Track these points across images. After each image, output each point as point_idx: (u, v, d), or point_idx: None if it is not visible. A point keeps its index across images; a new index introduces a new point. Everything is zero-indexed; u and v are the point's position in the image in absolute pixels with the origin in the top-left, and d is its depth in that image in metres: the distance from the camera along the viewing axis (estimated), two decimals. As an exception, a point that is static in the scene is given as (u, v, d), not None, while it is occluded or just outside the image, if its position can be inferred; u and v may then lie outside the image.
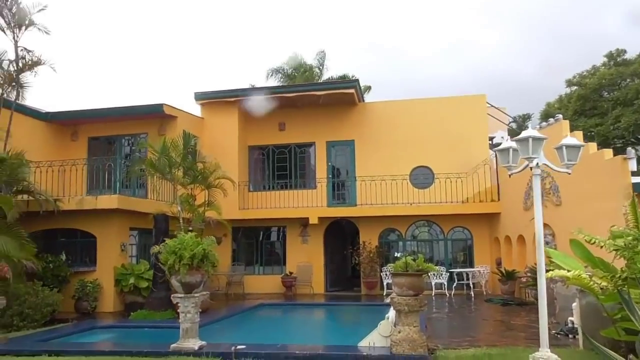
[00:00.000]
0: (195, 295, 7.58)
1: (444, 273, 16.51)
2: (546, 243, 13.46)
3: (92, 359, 7.19)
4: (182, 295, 7.56)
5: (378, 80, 47.30)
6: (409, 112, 18.47)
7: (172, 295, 7.65)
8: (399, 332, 7.23)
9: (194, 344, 7.46)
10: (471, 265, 17.43)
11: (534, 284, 12.30)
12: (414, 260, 7.57)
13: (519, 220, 14.93)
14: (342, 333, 10.75)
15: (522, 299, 14.29)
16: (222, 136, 18.05)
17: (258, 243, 18.92)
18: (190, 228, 11.37)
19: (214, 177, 13.39)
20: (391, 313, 8.10)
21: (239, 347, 7.41)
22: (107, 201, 12.50)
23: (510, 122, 21.79)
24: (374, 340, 7.65)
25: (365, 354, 7.14)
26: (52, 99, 43.74)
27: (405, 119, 18.43)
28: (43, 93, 33.13)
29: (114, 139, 16.25)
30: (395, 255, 7.98)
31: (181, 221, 11.85)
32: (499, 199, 16.60)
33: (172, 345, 7.46)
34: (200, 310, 11.29)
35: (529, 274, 13.03)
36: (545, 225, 13.62)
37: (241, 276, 17.45)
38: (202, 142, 17.93)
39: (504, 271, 15.11)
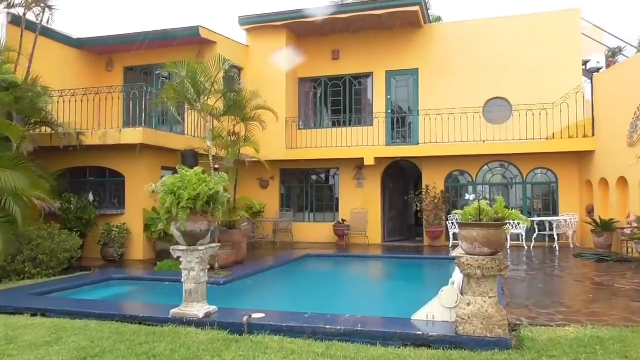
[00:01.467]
0: (200, 248, 5.88)
1: (521, 222, 14.10)
2: (658, 187, 10.74)
3: (78, 323, 5.78)
4: (184, 247, 5.90)
5: (452, 14, 42.66)
6: (484, 33, 15.58)
7: (171, 248, 6.01)
8: (468, 305, 5.23)
9: (200, 309, 5.85)
10: (555, 213, 14.87)
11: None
12: (490, 205, 5.48)
13: (621, 158, 12.16)
14: (396, 295, 8.90)
15: (621, 255, 11.76)
16: (269, 67, 16.10)
17: (308, 187, 17.22)
18: (216, 166, 9.71)
19: (252, 108, 11.54)
20: (457, 276, 6.10)
21: (254, 315, 5.73)
22: (132, 135, 11.05)
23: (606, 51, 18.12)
24: (434, 312, 5.71)
25: (420, 332, 5.23)
26: (85, 30, 42.46)
27: (479, 42, 15.59)
28: (75, 23, 31.80)
29: (151, 68, 14.75)
30: (467, 198, 5.92)
31: (211, 158, 10.20)
32: (593, 134, 13.72)
33: (173, 311, 5.89)
34: (233, 261, 9.83)
35: (635, 224, 10.45)
36: (658, 164, 10.87)
37: (289, 223, 15.90)
38: (247, 73, 16.11)
39: (598, 220, 12.51)
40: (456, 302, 5.62)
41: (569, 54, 14.74)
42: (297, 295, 9.02)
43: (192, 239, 5.86)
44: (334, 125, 16.77)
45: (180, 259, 5.94)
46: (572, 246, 13.77)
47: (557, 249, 13.29)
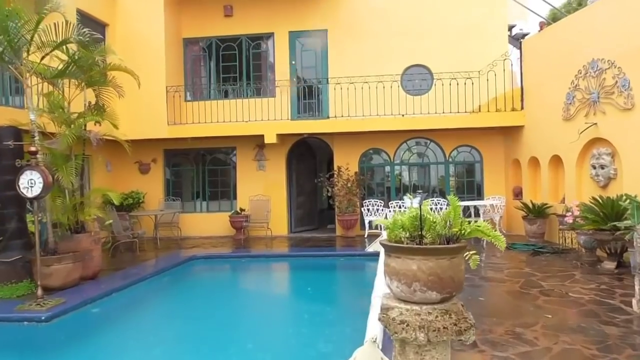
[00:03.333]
0: None
1: (444, 207, 12.40)
2: (601, 167, 9.25)
3: None
4: None
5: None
6: (402, -10, 13.49)
7: None
8: (403, 391, 2.96)
9: None
10: (480, 195, 13.31)
11: (590, 225, 8.21)
12: (432, 208, 3.26)
13: (555, 134, 10.64)
14: (298, 326, 6.55)
15: (557, 245, 10.28)
16: (143, 24, 12.97)
17: (199, 171, 14.41)
18: (33, 148, 6.71)
19: (105, 69, 8.58)
20: (376, 327, 3.82)
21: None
22: None
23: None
24: (344, 390, 3.42)
25: None
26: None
27: (397, 1, 13.48)
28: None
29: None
30: (407, 204, 3.64)
31: (36, 136, 7.18)
32: (522, 107, 12.15)
33: None
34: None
35: (577, 212, 8.86)
36: (601, 140, 9.36)
37: (173, 215, 13.06)
38: (114, 30, 12.87)
39: (530, 205, 10.96)
40: (381, 373, 3.36)
41: (494, 17, 13.05)
42: (160, 332, 6.43)
43: None
44: (228, 96, 14.03)
45: None
46: (499, 233, 12.20)
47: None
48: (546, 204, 10.76)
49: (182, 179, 14.62)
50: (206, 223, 13.90)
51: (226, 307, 7.31)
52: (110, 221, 11.17)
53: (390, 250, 3.02)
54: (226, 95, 14.08)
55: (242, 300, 7.81)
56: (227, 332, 6.11)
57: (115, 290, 7.63)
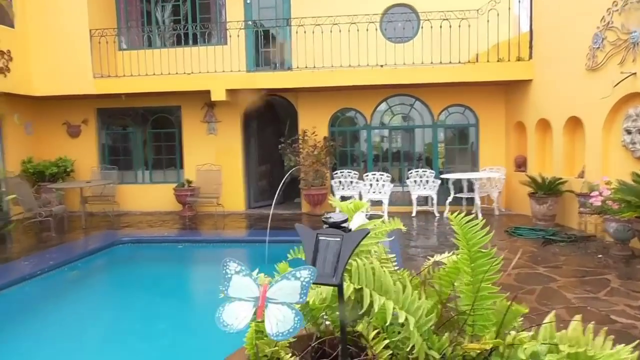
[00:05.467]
0: None
1: (431, 180, 10.24)
2: (639, 132, 7.07)
3: None
4: None
5: None
6: None
7: None
8: None
9: None
10: (474, 166, 11.12)
11: (630, 211, 6.05)
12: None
13: (574, 90, 8.38)
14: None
15: (572, 232, 8.14)
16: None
17: (141, 134, 12.00)
18: None
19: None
20: None
21: None
22: None
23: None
24: None
25: None
26: None
27: None
28: None
29: None
30: (230, 268, 1.55)
31: None
32: (530, 57, 9.82)
33: None
34: None
35: (606, 192, 6.68)
36: None
37: (104, 187, 10.64)
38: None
39: (539, 180, 8.77)
40: None
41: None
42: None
43: None
44: (167, 44, 11.47)
45: None
46: (497, 212, 10.13)
47: (480, 218, 9.53)
48: (559, 178, 8.58)
49: (120, 144, 12.20)
50: (149, 196, 11.61)
51: (149, 319, 5.09)
52: (13, 196, 8.92)
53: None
54: (167, 44, 11.48)
55: (166, 310, 5.58)
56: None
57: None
